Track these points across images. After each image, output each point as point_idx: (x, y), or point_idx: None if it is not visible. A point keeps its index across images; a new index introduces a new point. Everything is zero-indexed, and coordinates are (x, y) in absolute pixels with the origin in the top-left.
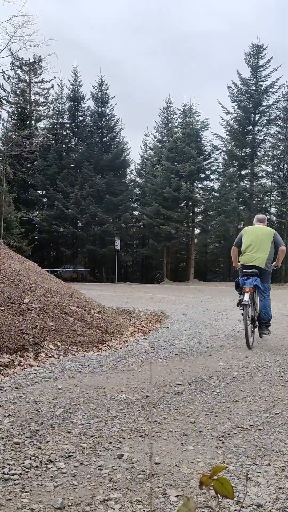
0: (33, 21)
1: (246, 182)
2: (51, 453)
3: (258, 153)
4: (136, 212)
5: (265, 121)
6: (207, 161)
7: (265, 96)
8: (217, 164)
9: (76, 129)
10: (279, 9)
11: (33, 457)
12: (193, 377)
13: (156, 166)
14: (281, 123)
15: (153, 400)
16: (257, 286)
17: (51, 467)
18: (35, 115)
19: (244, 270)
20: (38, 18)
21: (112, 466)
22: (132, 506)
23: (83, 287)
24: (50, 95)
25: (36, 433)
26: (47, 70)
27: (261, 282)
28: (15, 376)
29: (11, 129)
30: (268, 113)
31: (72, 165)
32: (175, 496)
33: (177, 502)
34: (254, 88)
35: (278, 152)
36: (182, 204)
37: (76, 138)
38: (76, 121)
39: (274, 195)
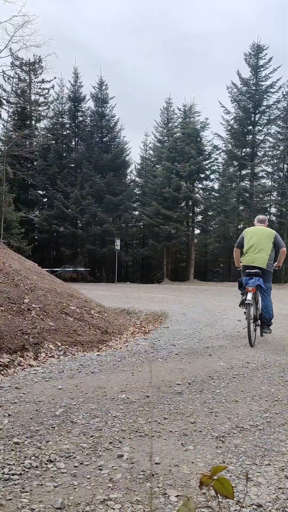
0: (33, 21)
1: (246, 182)
2: (51, 453)
3: (258, 153)
4: (136, 212)
5: (265, 121)
6: (207, 161)
7: (265, 96)
8: (217, 164)
9: (77, 129)
10: (279, 9)
11: (33, 457)
12: (193, 377)
13: (156, 166)
14: (281, 123)
15: (153, 400)
16: (260, 286)
17: (51, 467)
18: (35, 115)
19: (247, 270)
20: (38, 18)
21: (112, 466)
22: (132, 506)
23: (83, 287)
24: (51, 95)
25: (36, 433)
26: (47, 70)
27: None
28: (15, 376)
29: (11, 129)
30: (268, 113)
31: (72, 165)
32: (175, 496)
33: (177, 502)
34: (254, 88)
35: (278, 152)
36: (182, 204)
37: (76, 138)
38: (76, 121)
39: (274, 195)
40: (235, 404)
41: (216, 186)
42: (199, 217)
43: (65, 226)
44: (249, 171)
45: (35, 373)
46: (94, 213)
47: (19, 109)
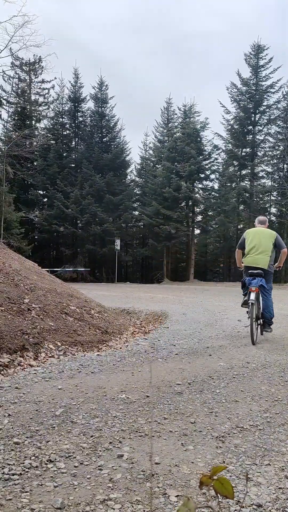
0: (33, 21)
1: (246, 182)
2: (51, 453)
3: (258, 153)
4: (136, 212)
5: (266, 121)
6: (207, 161)
7: (265, 96)
8: (217, 164)
9: (77, 129)
10: (279, 9)
11: (33, 457)
12: (193, 377)
13: (156, 166)
14: (281, 123)
15: (153, 400)
16: (262, 286)
17: (51, 467)
18: (35, 115)
19: (250, 271)
20: (38, 18)
21: (112, 466)
22: (132, 506)
23: (83, 287)
24: (51, 96)
25: (36, 433)
26: (47, 70)
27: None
28: (15, 376)
29: (11, 129)
30: (268, 113)
31: (72, 165)
32: (175, 496)
33: (177, 502)
34: (254, 88)
35: (278, 152)
36: (182, 204)
37: (77, 138)
38: (76, 121)
39: (274, 195)
40: (235, 404)
41: (216, 186)
42: (199, 217)
43: (65, 226)
44: (249, 171)
45: (35, 373)
46: (94, 213)
47: (19, 109)
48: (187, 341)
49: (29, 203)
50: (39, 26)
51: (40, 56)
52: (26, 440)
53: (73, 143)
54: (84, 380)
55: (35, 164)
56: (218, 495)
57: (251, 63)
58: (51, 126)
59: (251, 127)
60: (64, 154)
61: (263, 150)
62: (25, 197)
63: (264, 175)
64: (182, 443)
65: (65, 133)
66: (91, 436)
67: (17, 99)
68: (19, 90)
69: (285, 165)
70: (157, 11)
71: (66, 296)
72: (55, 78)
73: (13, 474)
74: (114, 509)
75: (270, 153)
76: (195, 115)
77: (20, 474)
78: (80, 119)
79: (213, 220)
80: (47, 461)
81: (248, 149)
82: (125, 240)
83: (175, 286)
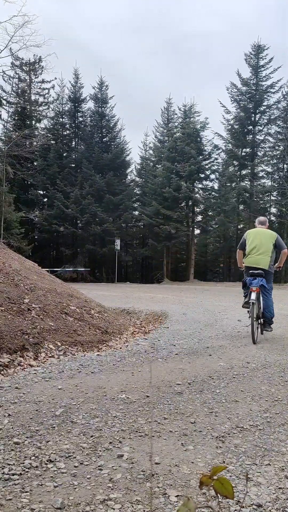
0: (33, 21)
1: (246, 182)
2: (51, 453)
3: (258, 153)
4: (136, 212)
5: (266, 121)
6: (207, 161)
7: (265, 96)
8: (217, 164)
9: (77, 129)
10: (279, 9)
11: (33, 457)
12: (193, 377)
13: (156, 166)
14: (281, 123)
15: (153, 400)
16: (263, 286)
17: (51, 467)
18: (35, 115)
19: (251, 271)
20: (38, 18)
21: (112, 466)
22: (132, 506)
23: (83, 287)
24: (51, 96)
25: (36, 433)
26: (47, 70)
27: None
28: (15, 376)
29: (11, 129)
30: (268, 113)
31: (72, 164)
32: (175, 496)
33: (177, 502)
34: (254, 88)
35: (278, 152)
36: (182, 204)
37: (77, 138)
38: (76, 121)
39: (274, 195)
40: (235, 404)
41: (216, 186)
42: (199, 217)
43: (65, 226)
44: (249, 171)
45: (35, 373)
46: (94, 213)
47: (19, 109)
48: (187, 341)
49: (29, 203)
50: (39, 26)
51: (40, 56)
52: (26, 440)
53: (73, 143)
54: (84, 380)
55: (35, 164)
56: (218, 495)
57: (251, 63)
58: (51, 126)
59: (251, 127)
60: (64, 154)
61: (263, 150)
62: (25, 197)
63: (264, 175)
64: (182, 443)
65: (65, 133)
66: (91, 436)
67: (17, 99)
68: (19, 90)
69: (285, 165)
70: (157, 11)
71: (66, 296)
72: (55, 78)
73: (13, 474)
74: (114, 509)
75: (270, 153)
76: (195, 115)
77: (20, 474)
78: (80, 119)
79: (213, 220)
80: (47, 461)
81: (248, 149)
82: (125, 240)
83: (175, 286)
